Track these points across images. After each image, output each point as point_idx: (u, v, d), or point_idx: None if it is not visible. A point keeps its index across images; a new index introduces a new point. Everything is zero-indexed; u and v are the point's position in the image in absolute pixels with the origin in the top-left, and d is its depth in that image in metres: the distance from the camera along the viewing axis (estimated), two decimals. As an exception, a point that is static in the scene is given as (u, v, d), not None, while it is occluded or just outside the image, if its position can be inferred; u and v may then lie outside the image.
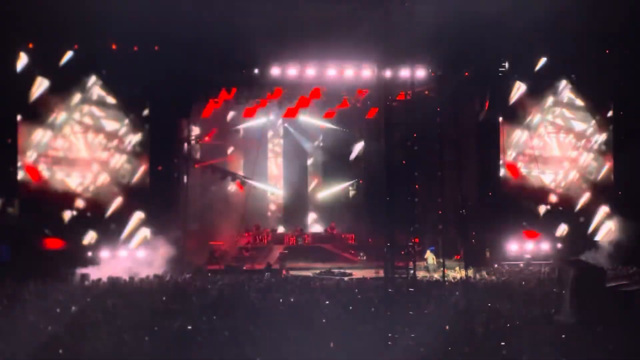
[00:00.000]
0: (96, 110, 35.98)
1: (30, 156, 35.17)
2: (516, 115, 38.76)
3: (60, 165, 35.56)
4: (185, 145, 40.16)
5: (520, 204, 38.72)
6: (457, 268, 34.74)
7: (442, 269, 31.95)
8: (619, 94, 38.79)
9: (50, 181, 35.43)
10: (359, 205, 45.17)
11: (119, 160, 36.17)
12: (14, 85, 34.88)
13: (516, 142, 38.83)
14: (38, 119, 35.21)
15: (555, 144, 39.30)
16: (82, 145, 35.76)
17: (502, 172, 38.51)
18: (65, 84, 35.43)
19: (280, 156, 46.41)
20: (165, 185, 37.01)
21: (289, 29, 34.43)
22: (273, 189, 45.82)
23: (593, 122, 39.52)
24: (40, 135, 35.25)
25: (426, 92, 37.91)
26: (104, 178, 36.00)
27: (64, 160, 35.61)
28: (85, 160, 35.84)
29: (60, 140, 35.60)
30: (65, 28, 34.06)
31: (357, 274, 34.77)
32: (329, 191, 46.37)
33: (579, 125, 39.48)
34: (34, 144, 35.19)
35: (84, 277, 32.20)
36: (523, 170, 38.97)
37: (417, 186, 29.78)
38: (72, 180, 35.70)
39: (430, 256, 36.17)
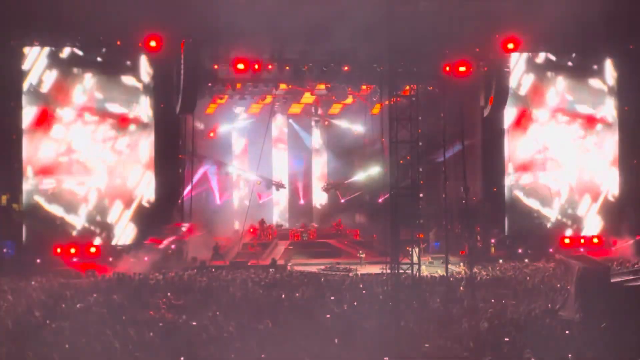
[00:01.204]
0: (101, 107, 35.92)
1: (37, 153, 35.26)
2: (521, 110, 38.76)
3: (66, 162, 35.57)
4: (190, 140, 40.18)
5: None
6: (461, 264, 34.73)
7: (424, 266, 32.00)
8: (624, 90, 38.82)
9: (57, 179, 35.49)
10: (364, 201, 45.23)
11: (124, 156, 36.16)
12: (19, 81, 34.95)
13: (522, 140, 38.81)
14: (43, 116, 35.27)
15: (561, 136, 39.16)
16: (87, 142, 35.76)
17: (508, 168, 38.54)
18: (70, 80, 35.48)
19: (285, 151, 46.47)
20: (170, 181, 37.01)
21: (294, 25, 34.41)
22: (278, 184, 45.88)
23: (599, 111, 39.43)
24: (45, 131, 35.31)
25: (430, 88, 37.90)
26: (109, 172, 36.01)
27: (70, 157, 35.63)
28: (91, 157, 35.83)
29: (65, 138, 35.57)
30: (70, 23, 34.09)
31: (362, 269, 34.77)
32: (334, 187, 46.44)
33: (584, 109, 39.27)
34: (40, 141, 35.25)
35: (90, 273, 32.33)
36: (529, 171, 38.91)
37: (421, 182, 29.75)
38: (77, 178, 35.72)
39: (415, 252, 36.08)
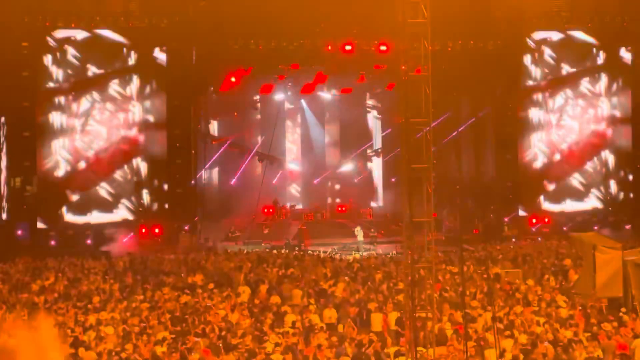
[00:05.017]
0: (112, 91, 36.01)
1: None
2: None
3: (80, 145, 35.73)
4: (203, 121, 40.24)
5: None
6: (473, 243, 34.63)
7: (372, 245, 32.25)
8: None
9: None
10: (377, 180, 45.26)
11: (137, 138, 36.24)
12: (34, 68, 35.09)
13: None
14: (58, 101, 35.40)
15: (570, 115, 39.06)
16: (99, 126, 35.88)
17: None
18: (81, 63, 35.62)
19: (298, 132, 46.41)
20: (183, 162, 37.06)
21: (305, 5, 34.37)
22: (291, 164, 45.84)
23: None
24: (60, 118, 35.44)
25: (443, 67, 37.80)
26: (121, 158, 36.14)
27: (83, 140, 35.78)
28: (103, 140, 35.96)
29: (82, 124, 35.72)
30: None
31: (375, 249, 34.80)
32: (346, 167, 46.41)
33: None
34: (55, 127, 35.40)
35: (104, 253, 32.46)
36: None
37: (434, 161, 29.70)
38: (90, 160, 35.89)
39: (360, 233, 36.04)
